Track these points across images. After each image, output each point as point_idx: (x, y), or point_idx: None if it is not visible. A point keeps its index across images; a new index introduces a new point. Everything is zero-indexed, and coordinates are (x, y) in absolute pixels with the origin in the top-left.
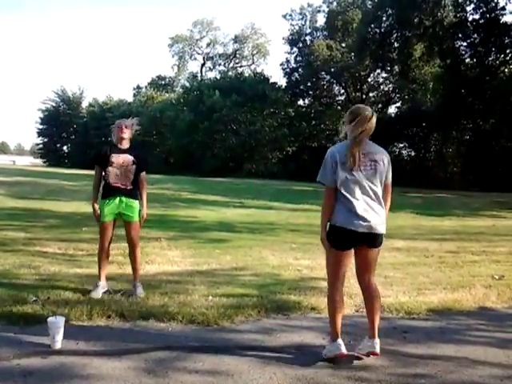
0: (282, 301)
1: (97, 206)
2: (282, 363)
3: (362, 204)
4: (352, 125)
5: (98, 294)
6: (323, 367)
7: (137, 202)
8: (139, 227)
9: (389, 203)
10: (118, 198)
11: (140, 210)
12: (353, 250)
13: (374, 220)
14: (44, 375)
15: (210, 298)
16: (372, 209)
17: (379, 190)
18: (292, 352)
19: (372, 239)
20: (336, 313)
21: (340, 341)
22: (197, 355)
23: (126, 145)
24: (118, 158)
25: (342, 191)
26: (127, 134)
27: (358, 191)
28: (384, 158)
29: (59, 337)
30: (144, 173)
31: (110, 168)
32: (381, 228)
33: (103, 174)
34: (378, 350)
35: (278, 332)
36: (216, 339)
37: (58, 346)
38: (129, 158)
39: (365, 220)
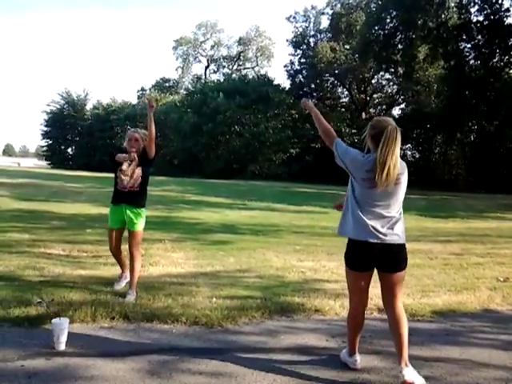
0: (286, 303)
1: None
2: (286, 365)
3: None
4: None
5: (120, 285)
6: (327, 369)
7: (140, 209)
8: (140, 237)
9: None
10: (122, 207)
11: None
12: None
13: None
14: (48, 376)
15: (214, 299)
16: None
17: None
18: (296, 354)
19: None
20: (352, 328)
21: (356, 357)
22: (200, 357)
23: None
24: (128, 168)
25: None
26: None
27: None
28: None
29: (63, 338)
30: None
31: (120, 174)
32: (396, 238)
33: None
34: (406, 378)
35: (282, 334)
36: (220, 341)
37: (62, 347)
38: (137, 164)
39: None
